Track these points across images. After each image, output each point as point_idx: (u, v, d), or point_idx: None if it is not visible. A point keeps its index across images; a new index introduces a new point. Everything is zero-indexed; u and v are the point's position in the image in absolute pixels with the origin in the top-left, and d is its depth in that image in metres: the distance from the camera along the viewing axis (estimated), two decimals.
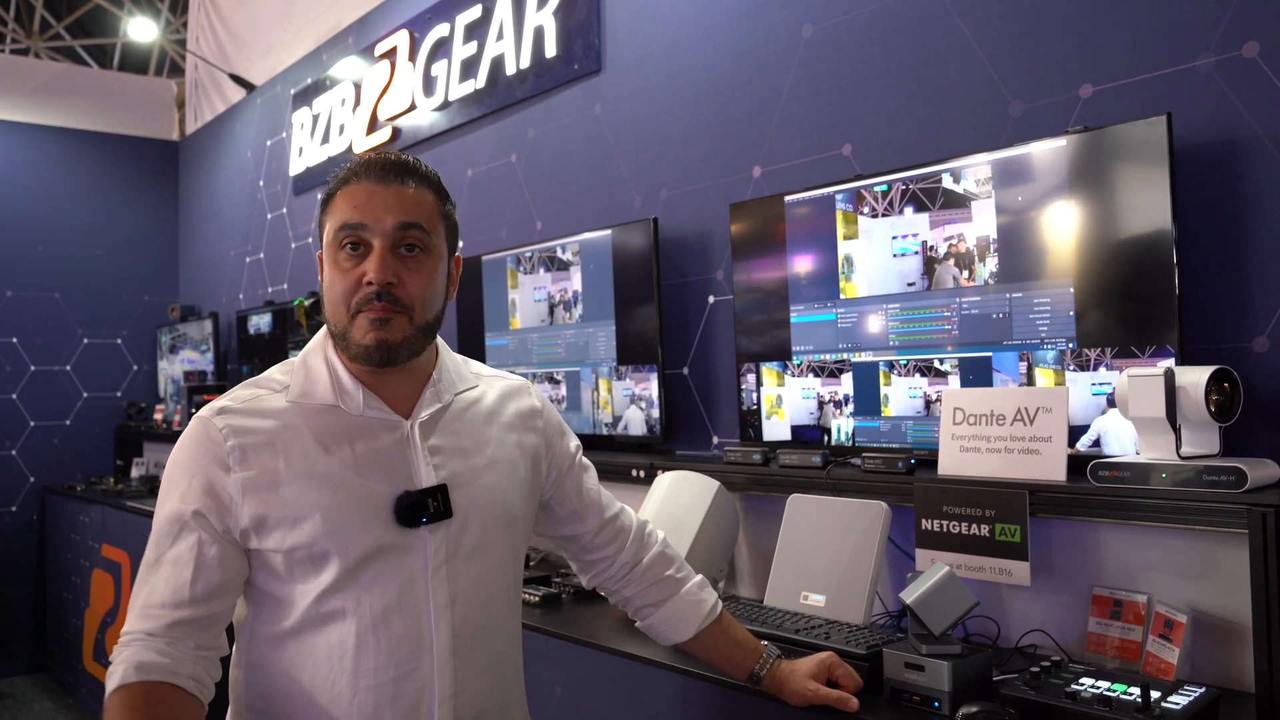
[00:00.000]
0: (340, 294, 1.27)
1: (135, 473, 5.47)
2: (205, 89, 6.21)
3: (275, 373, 1.35)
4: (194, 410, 4.91)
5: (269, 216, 5.10)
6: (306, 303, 3.83)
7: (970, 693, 1.54)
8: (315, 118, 4.58)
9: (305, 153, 4.66)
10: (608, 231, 2.76)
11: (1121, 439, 1.75)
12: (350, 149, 4.27)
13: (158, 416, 5.56)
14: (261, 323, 4.80)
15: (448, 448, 1.33)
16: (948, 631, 1.59)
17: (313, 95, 4.62)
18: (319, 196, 1.39)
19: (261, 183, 5.20)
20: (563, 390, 2.93)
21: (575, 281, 2.86)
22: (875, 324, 2.13)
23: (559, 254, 2.93)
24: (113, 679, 1.18)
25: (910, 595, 1.60)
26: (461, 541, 1.31)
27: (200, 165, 5.97)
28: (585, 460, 1.58)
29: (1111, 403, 1.76)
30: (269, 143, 5.15)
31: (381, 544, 1.25)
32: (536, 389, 1.54)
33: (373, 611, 1.24)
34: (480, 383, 1.44)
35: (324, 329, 1.35)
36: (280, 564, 1.24)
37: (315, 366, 1.32)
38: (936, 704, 1.53)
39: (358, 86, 4.23)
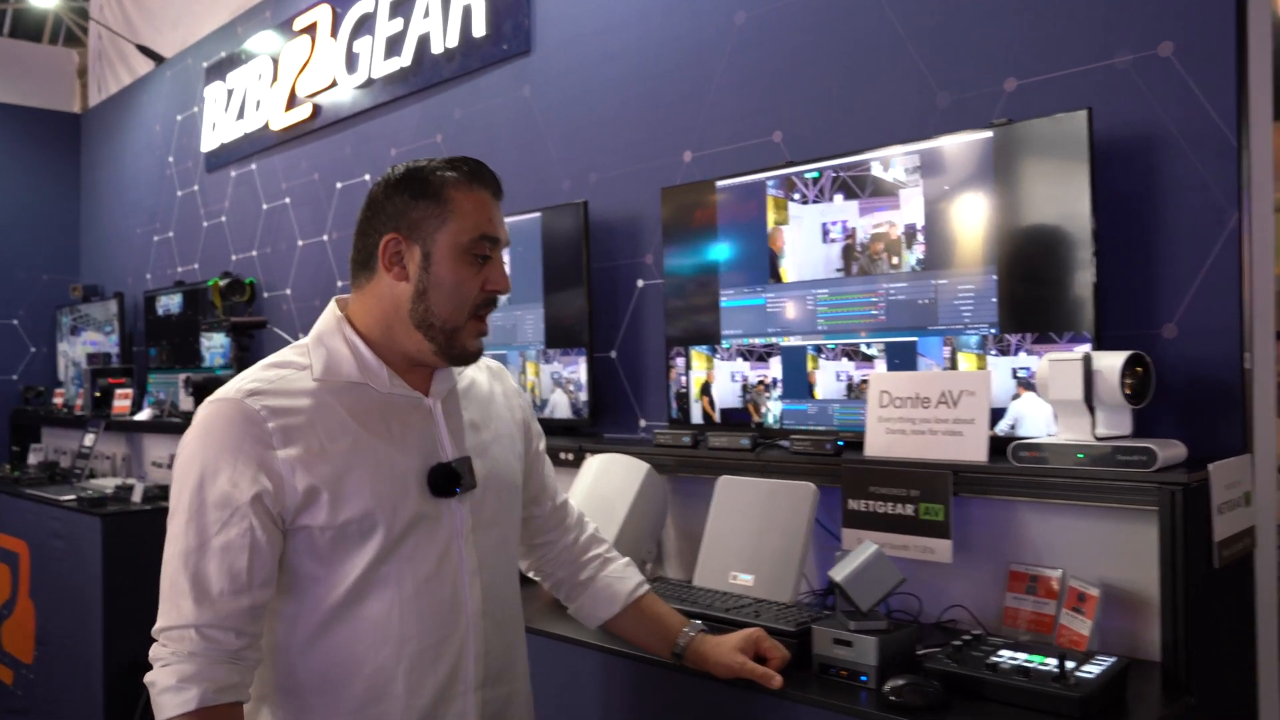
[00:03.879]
0: (468, 296, 1.34)
1: (33, 459, 5.22)
2: (110, 60, 5.95)
3: (290, 354, 1.36)
4: (98, 394, 4.72)
5: (179, 194, 4.92)
6: (222, 283, 3.70)
7: (896, 667, 1.57)
8: (230, 93, 4.43)
9: (219, 128, 4.51)
10: (537, 214, 2.74)
11: (1036, 422, 1.81)
12: (267, 126, 4.14)
13: (57, 400, 5.32)
14: (171, 304, 4.63)
15: (463, 424, 1.41)
16: (875, 608, 1.63)
17: (227, 69, 4.47)
18: (420, 182, 1.36)
19: (171, 159, 5.01)
20: None
21: None
22: (804, 309, 2.17)
23: None
24: (184, 694, 1.18)
25: (839, 573, 1.63)
26: (483, 510, 1.39)
27: (105, 139, 5.73)
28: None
29: (1027, 387, 1.83)
30: (179, 117, 4.97)
31: (420, 514, 1.32)
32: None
33: (415, 580, 1.30)
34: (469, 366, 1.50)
35: (331, 310, 1.38)
36: (327, 541, 1.27)
37: (335, 347, 1.35)
38: (864, 678, 1.57)
39: (275, 61, 4.11)
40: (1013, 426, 1.84)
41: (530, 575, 1.68)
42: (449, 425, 1.38)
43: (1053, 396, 1.70)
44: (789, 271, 2.19)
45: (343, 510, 1.26)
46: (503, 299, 2.83)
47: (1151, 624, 1.64)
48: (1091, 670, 1.48)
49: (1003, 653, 1.57)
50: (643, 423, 2.64)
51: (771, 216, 2.22)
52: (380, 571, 1.28)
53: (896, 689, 1.50)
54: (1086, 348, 1.74)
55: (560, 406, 2.69)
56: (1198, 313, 1.74)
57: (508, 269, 1.41)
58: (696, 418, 2.38)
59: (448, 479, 1.34)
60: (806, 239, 2.16)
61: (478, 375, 1.51)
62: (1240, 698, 1.70)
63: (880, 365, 2.04)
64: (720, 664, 1.58)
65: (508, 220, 2.81)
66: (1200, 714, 1.53)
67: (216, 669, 1.21)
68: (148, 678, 1.22)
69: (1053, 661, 1.51)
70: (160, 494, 3.90)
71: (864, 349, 2.07)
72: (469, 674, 1.35)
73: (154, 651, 1.23)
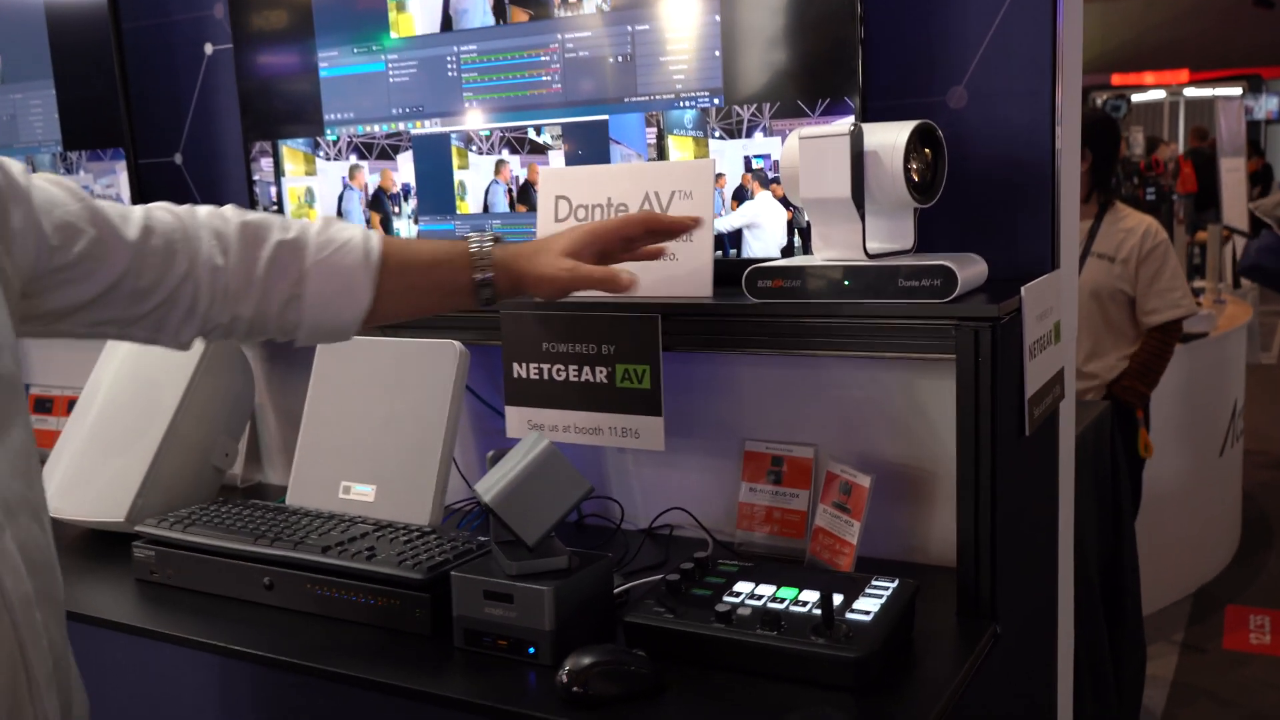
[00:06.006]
0: None
1: None
2: None
3: None
4: None
5: None
6: None
7: (583, 627, 1.02)
8: None
9: None
10: None
11: (768, 235, 1.25)
12: None
13: None
14: None
15: None
16: (548, 536, 1.03)
17: None
18: None
19: None
20: None
21: None
22: (443, 76, 1.44)
23: None
24: None
25: (489, 489, 1.02)
26: None
27: None
28: (42, 180, 0.89)
29: (764, 183, 1.24)
30: None
31: None
32: None
33: None
34: None
35: None
36: None
37: None
38: (533, 650, 1.00)
39: None
40: (749, 243, 1.27)
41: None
42: None
43: (805, 194, 1.12)
44: (418, 20, 1.44)
45: None
46: None
47: (939, 519, 1.16)
48: (868, 608, 0.99)
49: (739, 588, 1.04)
50: None
51: None
52: None
53: (578, 673, 0.95)
54: (849, 121, 1.17)
55: None
56: (995, 71, 1.22)
57: None
58: None
59: None
60: None
61: None
62: (1044, 615, 1.29)
63: (557, 159, 1.38)
64: (542, 278, 1.05)
65: None
66: (1006, 644, 1.08)
67: None
68: None
69: (812, 597, 1.00)
70: None
71: (534, 135, 1.39)
72: (39, 687, 0.79)
73: None
